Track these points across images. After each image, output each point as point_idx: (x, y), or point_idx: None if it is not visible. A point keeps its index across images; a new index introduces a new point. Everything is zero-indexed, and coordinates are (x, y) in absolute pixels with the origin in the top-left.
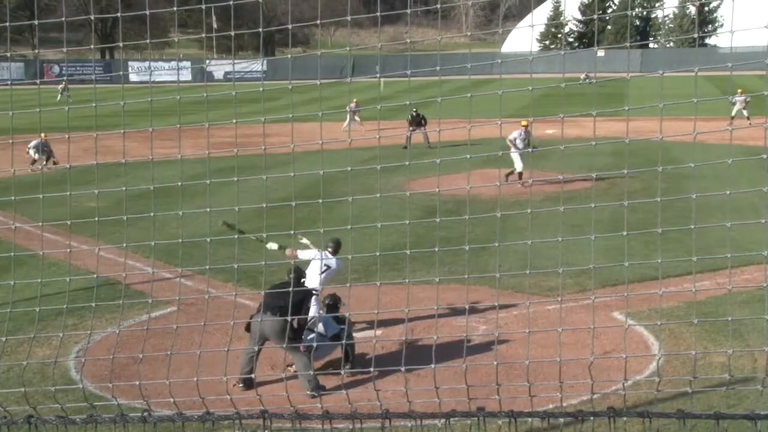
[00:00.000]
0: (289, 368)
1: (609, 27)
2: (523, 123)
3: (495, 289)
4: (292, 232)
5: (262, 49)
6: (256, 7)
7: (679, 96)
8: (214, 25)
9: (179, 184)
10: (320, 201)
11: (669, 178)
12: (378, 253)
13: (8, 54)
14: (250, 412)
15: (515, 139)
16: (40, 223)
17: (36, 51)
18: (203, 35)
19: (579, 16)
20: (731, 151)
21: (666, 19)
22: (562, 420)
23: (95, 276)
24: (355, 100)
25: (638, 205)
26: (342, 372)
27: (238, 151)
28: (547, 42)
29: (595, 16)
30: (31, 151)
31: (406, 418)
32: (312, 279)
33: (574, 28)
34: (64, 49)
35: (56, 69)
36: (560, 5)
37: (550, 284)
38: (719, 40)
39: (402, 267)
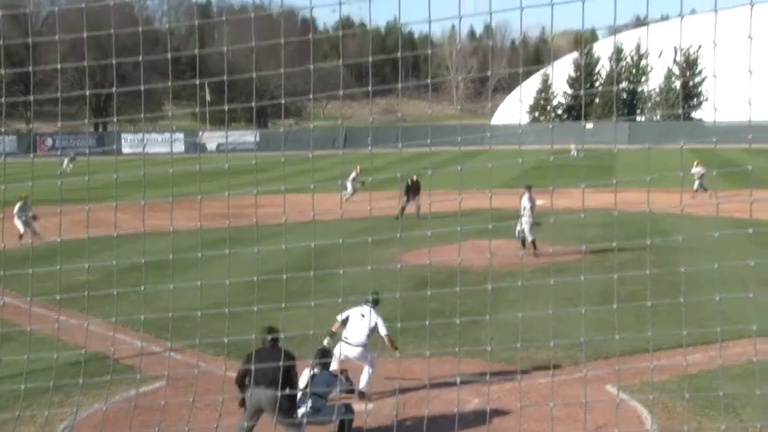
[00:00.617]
0: None
1: (597, 100)
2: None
3: (487, 362)
4: (282, 305)
5: (254, 121)
6: (250, 79)
7: (667, 168)
8: (208, 98)
9: (170, 257)
10: (312, 273)
11: (658, 250)
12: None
13: (2, 129)
14: None
15: (525, 207)
16: (29, 298)
17: (30, 126)
18: (197, 110)
19: (567, 90)
20: (718, 223)
21: (652, 92)
22: None
23: (83, 351)
24: (358, 167)
25: (629, 277)
26: None
27: (230, 223)
28: (536, 114)
29: (582, 92)
30: (17, 222)
31: None
32: (358, 335)
33: (563, 100)
34: (59, 123)
35: (49, 142)
36: (549, 79)
37: (542, 357)
38: (705, 113)
39: (394, 340)
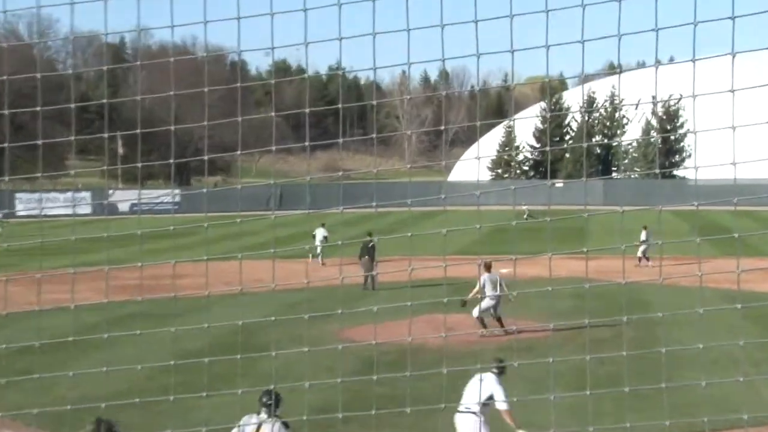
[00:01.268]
0: None
1: (567, 155)
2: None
3: None
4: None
5: (174, 178)
6: (169, 131)
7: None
8: (120, 151)
9: (71, 337)
10: (239, 357)
11: (638, 324)
12: (305, 417)
13: None
14: None
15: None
16: None
17: None
18: (106, 166)
19: (534, 143)
20: (705, 294)
21: (629, 147)
22: None
23: None
24: (323, 224)
25: (605, 356)
26: None
27: (143, 297)
28: (499, 170)
29: (548, 148)
30: None
31: None
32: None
33: (529, 155)
34: None
35: None
36: (512, 131)
37: None
38: (688, 171)
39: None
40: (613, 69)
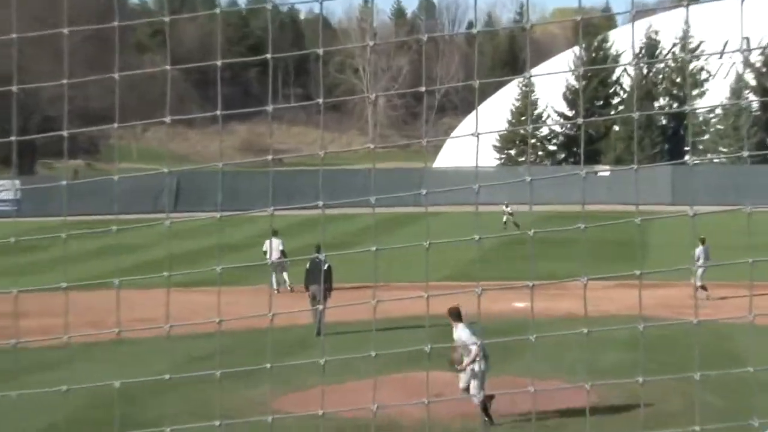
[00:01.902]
0: None
1: (616, 127)
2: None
3: None
4: None
5: (14, 163)
6: (7, 91)
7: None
8: None
9: None
10: None
11: (722, 385)
12: None
13: None
14: None
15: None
16: None
17: None
18: None
19: (564, 110)
20: None
21: (711, 117)
22: None
23: None
24: (275, 231)
25: None
26: None
27: None
28: (511, 152)
29: (581, 120)
30: None
31: None
32: None
33: (558, 129)
34: None
35: None
36: (531, 92)
37: None
38: None
39: None
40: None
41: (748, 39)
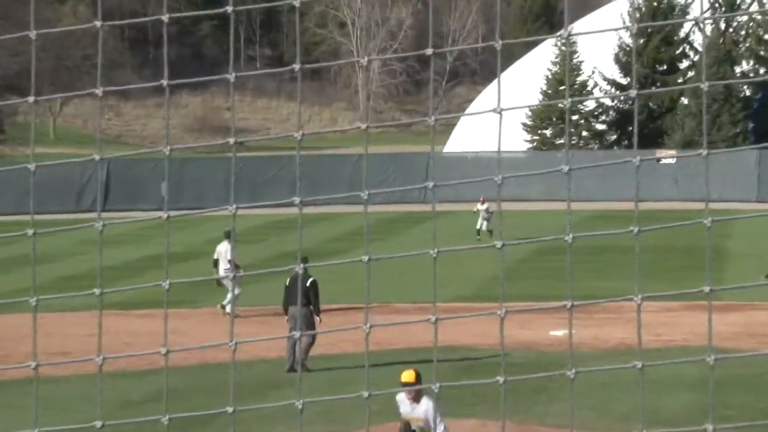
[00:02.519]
0: None
1: (684, 100)
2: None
3: None
4: None
5: None
6: None
7: None
8: None
9: None
10: None
11: None
12: None
13: None
14: None
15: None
16: None
17: None
18: None
19: (617, 77)
20: None
21: None
22: None
23: None
24: (228, 232)
25: None
26: None
27: None
28: (546, 132)
29: (634, 92)
30: None
31: None
32: None
33: (609, 102)
34: None
35: None
36: (570, 54)
37: None
38: None
39: None
40: None
41: None
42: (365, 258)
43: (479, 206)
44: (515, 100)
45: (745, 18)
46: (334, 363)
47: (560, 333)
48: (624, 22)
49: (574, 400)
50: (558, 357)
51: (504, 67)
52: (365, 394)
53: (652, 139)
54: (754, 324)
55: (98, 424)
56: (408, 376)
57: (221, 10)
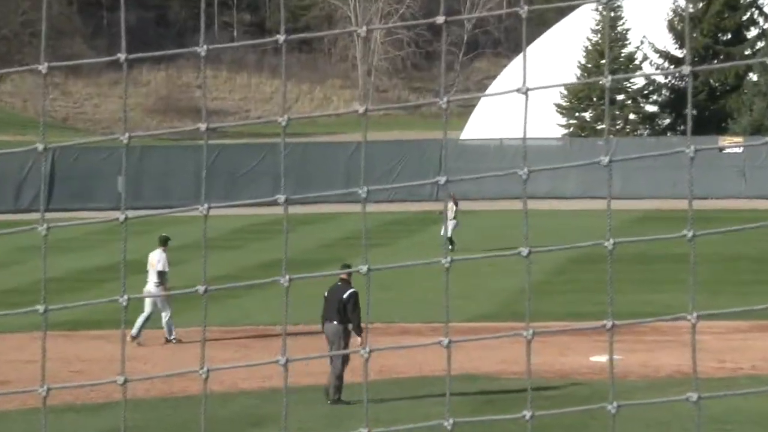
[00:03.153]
0: None
1: (754, 76)
2: None
3: None
4: None
5: None
6: None
7: None
8: None
9: None
10: None
11: None
12: None
13: None
14: None
15: None
16: None
17: None
18: None
19: (671, 49)
20: None
21: None
22: None
23: None
24: (165, 239)
25: None
26: None
27: None
28: (585, 114)
29: (687, 70)
30: None
31: None
32: None
33: (661, 79)
34: None
35: None
36: (618, 14)
37: None
38: None
39: None
40: None
41: None
42: (364, 268)
43: (451, 206)
44: (547, 76)
45: None
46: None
47: (603, 359)
48: None
49: None
50: (600, 388)
51: (533, 37)
52: None
53: (713, 123)
54: None
55: None
56: None
57: None
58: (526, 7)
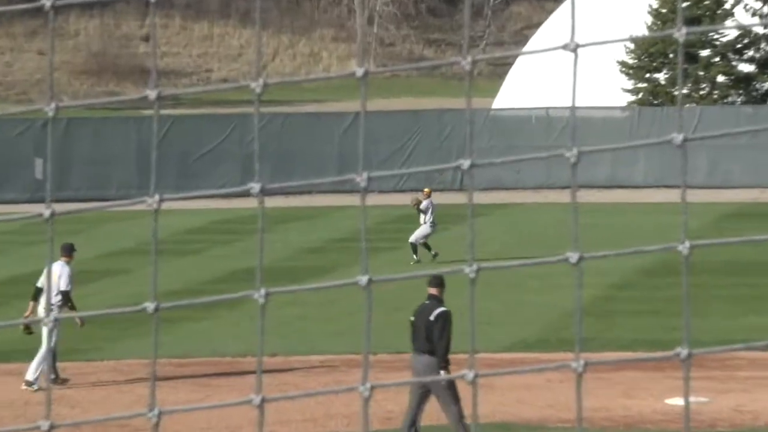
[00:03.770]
0: None
1: None
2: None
3: None
4: None
5: None
6: None
7: None
8: None
9: None
10: None
11: None
12: None
13: None
14: None
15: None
16: None
17: None
18: None
19: None
20: None
21: None
22: None
23: None
24: (68, 249)
25: None
26: None
27: None
28: (658, 75)
29: None
30: None
31: None
32: None
33: (761, 30)
34: None
35: None
36: None
37: None
38: None
39: None
40: None
41: None
42: (363, 279)
43: (419, 199)
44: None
45: None
46: None
47: (681, 402)
48: None
49: None
50: None
51: None
52: None
53: None
54: None
55: None
56: None
57: None
58: None
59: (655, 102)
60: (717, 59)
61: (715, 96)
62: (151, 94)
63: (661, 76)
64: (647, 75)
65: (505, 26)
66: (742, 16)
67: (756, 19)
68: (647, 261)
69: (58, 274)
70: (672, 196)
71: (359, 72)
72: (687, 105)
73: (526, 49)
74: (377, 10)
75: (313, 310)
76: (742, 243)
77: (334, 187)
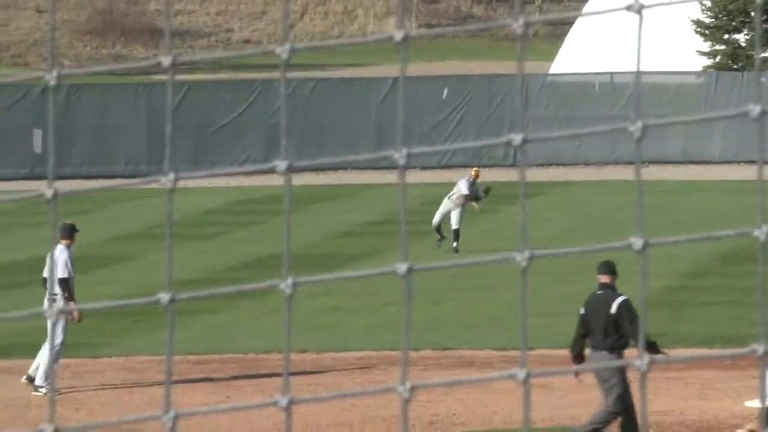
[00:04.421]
0: None
1: None
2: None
3: None
4: None
5: None
6: None
7: None
8: None
9: None
10: None
11: None
12: None
13: None
14: None
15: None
16: None
17: None
18: None
19: None
20: None
21: None
22: None
23: None
24: (70, 229)
25: None
26: None
27: None
28: (739, 35)
29: None
30: None
31: None
32: None
33: None
34: None
35: None
36: None
37: None
38: None
39: None
40: None
41: None
42: (402, 267)
43: (462, 185)
44: None
45: None
46: None
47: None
48: None
49: None
50: None
51: None
52: None
53: None
54: None
55: None
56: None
57: None
58: None
59: (735, 66)
60: None
61: None
62: (165, 60)
63: (741, 37)
64: (725, 36)
65: None
66: None
67: None
68: (723, 247)
69: (56, 259)
70: (752, 173)
71: (398, 36)
72: (758, 71)
73: (587, 7)
74: None
75: (347, 302)
76: None
77: (370, 163)
